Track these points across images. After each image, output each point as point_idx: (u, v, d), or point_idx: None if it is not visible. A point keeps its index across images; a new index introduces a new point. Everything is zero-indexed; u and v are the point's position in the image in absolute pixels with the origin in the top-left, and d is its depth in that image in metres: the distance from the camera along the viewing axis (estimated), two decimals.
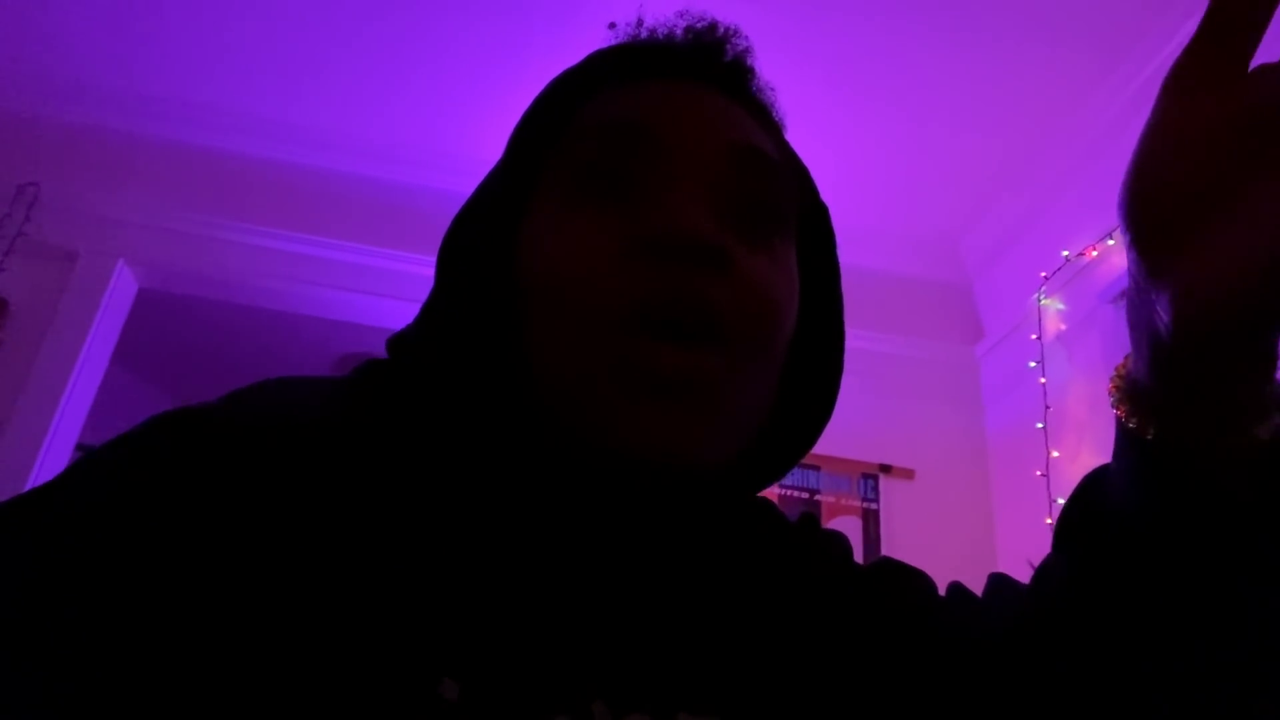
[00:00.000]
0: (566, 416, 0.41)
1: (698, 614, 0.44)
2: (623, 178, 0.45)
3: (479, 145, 2.95)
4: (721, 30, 0.52)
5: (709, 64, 0.51)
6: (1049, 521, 2.56)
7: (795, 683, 0.44)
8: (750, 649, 0.44)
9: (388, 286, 2.94)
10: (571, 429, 0.41)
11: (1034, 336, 2.80)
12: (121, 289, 2.85)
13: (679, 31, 0.52)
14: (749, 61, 0.53)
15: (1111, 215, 2.16)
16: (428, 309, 0.49)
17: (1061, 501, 1.95)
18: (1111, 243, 2.54)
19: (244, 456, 0.38)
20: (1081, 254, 2.64)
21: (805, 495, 2.94)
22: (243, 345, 3.53)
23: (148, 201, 2.89)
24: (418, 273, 2.91)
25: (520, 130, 0.51)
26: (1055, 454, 2.65)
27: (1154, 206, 0.36)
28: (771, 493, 2.91)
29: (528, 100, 0.52)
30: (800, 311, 0.49)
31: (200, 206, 2.93)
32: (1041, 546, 2.19)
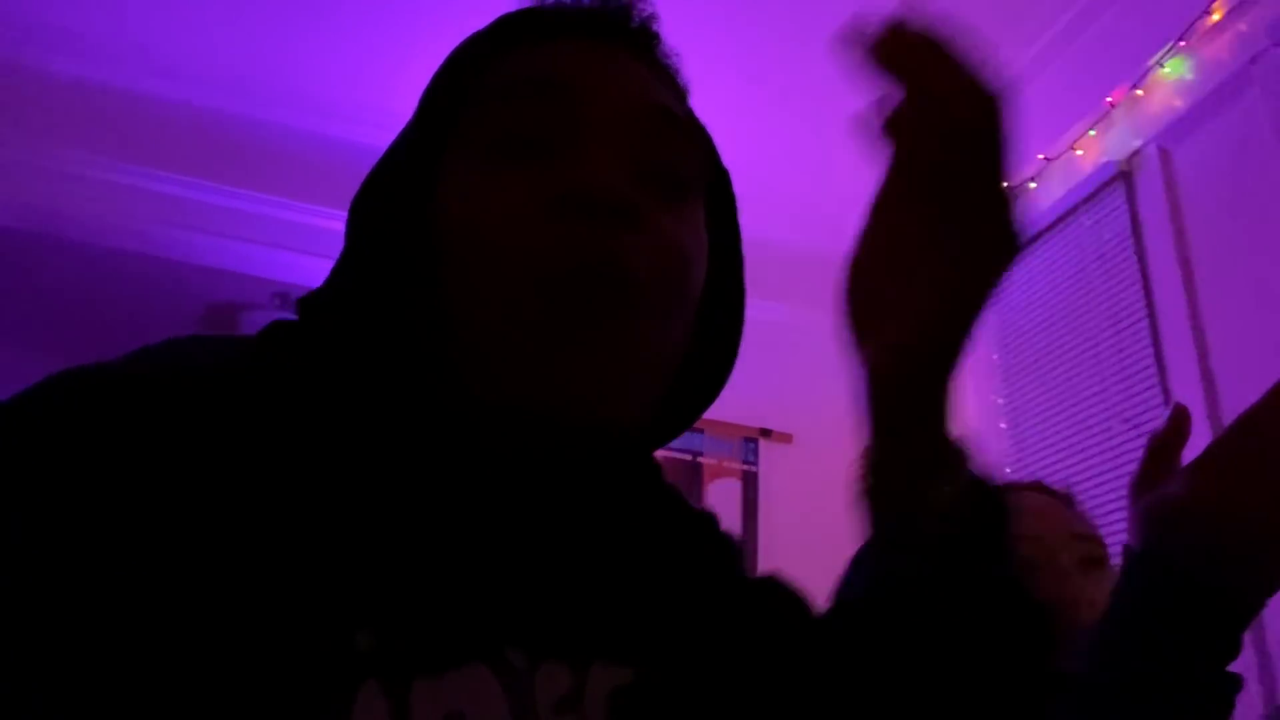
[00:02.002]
0: (486, 370, 0.42)
1: (609, 566, 0.46)
2: (539, 134, 0.45)
3: (364, 91, 2.86)
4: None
5: (618, 26, 0.52)
6: None
7: (699, 639, 0.46)
8: (659, 603, 0.46)
9: (260, 233, 2.82)
10: (491, 382, 0.42)
11: None
12: None
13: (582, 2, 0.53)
14: (654, 27, 0.53)
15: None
16: (339, 270, 0.49)
17: None
18: None
19: (156, 417, 0.37)
20: None
21: (689, 457, 3.02)
22: (103, 292, 3.33)
23: (12, 133, 2.68)
24: (293, 220, 2.80)
25: (432, 89, 0.51)
26: None
27: (858, 292, 0.45)
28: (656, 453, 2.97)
29: (425, 47, 0.52)
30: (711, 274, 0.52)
31: (60, 140, 2.74)
32: None
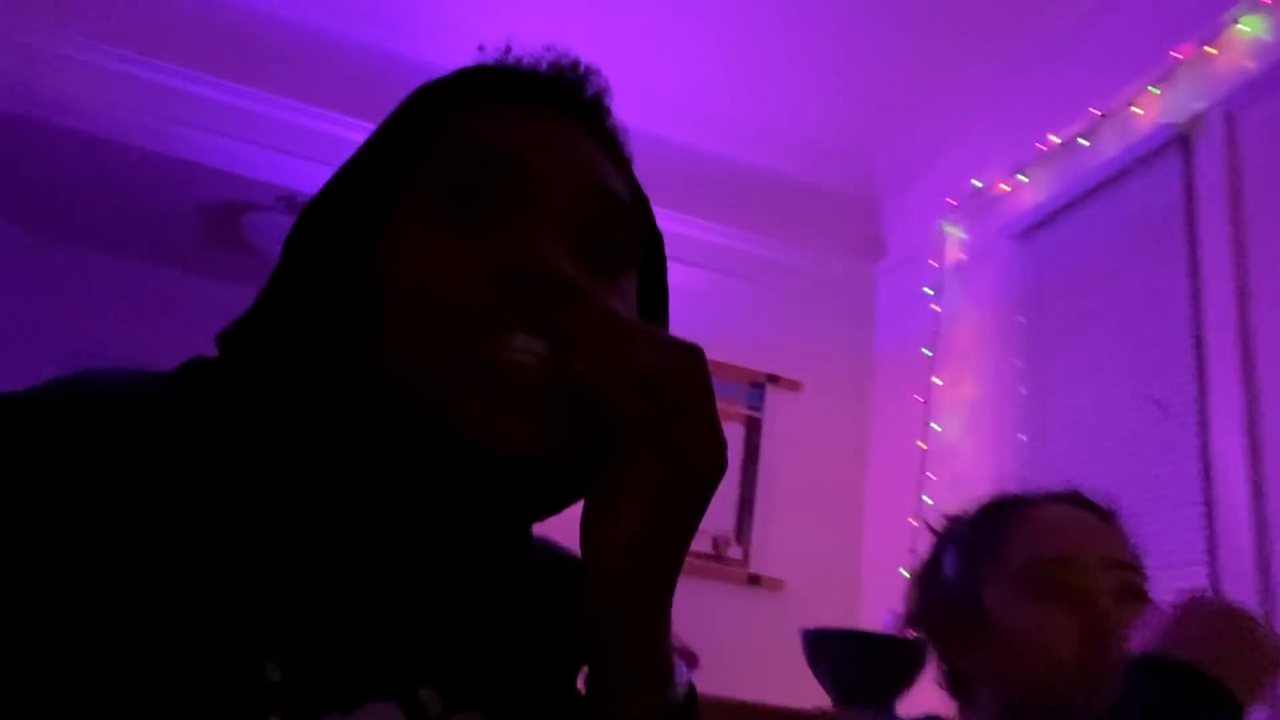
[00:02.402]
0: (420, 415, 0.44)
1: (510, 623, 0.50)
2: (489, 201, 0.48)
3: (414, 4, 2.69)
4: (583, 68, 0.56)
5: (571, 98, 0.54)
6: (922, 446, 2.64)
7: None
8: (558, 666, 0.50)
9: (258, 133, 2.69)
10: (423, 427, 0.44)
11: (934, 263, 2.81)
12: None
13: (544, 65, 0.55)
14: (606, 100, 0.56)
15: (1023, 151, 2.12)
16: (265, 299, 0.49)
17: (937, 428, 1.95)
18: (1023, 179, 2.53)
19: (70, 449, 0.38)
20: (992, 185, 2.64)
21: None
22: (96, 180, 3.21)
23: (12, 16, 2.52)
24: (294, 121, 2.67)
25: (383, 136, 0.52)
26: (938, 381, 2.70)
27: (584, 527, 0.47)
28: None
29: None
30: None
31: (59, 21, 2.58)
32: (908, 466, 2.22)
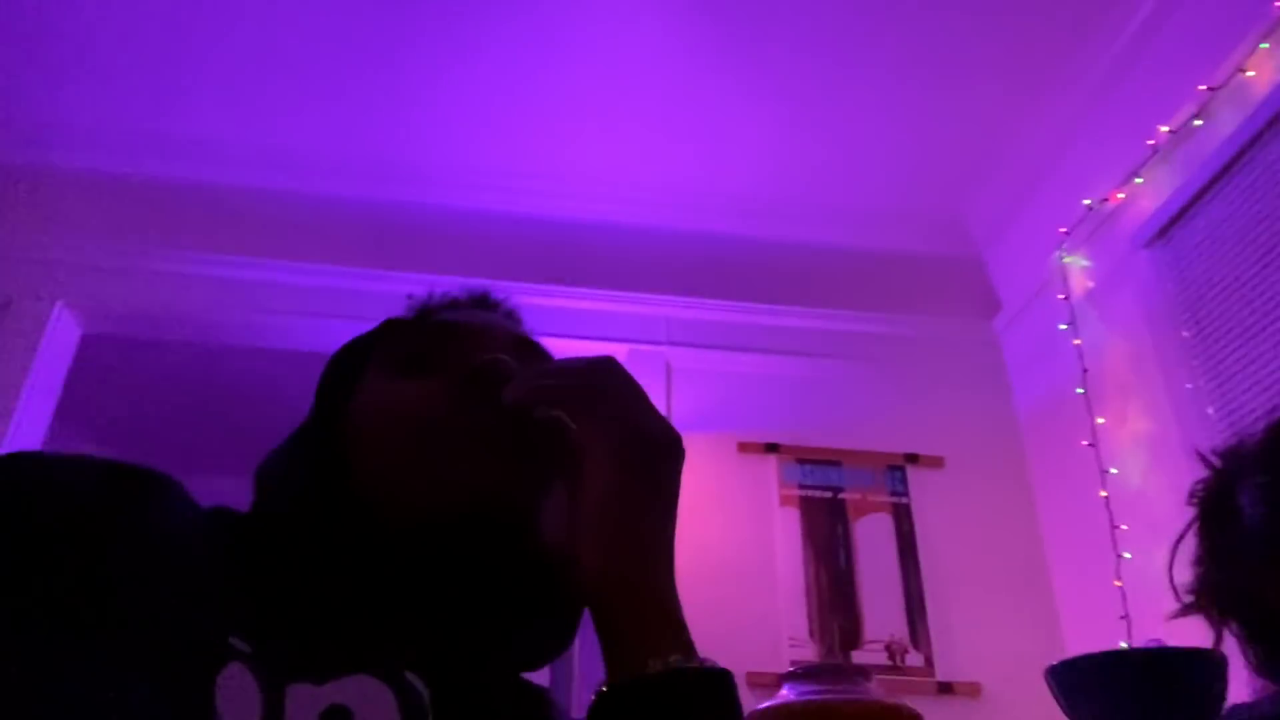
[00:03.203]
0: (388, 514, 0.53)
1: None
2: (440, 358, 0.58)
3: (424, 153, 2.74)
4: (494, 295, 0.68)
5: (492, 310, 0.67)
6: (1103, 494, 2.31)
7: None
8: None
9: (355, 308, 2.70)
10: (393, 521, 0.53)
11: (1061, 297, 2.57)
12: (61, 334, 2.60)
13: (462, 297, 0.67)
14: (518, 315, 0.67)
15: (1132, 152, 1.92)
16: (293, 437, 0.61)
17: (1114, 471, 1.66)
18: (1140, 181, 2.32)
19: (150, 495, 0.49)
20: (1105, 200, 2.42)
21: (829, 494, 2.68)
22: (200, 388, 3.27)
23: (84, 239, 2.65)
24: (386, 290, 2.67)
25: (332, 364, 0.63)
26: (1100, 420, 2.39)
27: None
28: (793, 494, 2.65)
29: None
30: None
31: (143, 240, 2.69)
32: (1091, 521, 1.90)
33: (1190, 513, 0.77)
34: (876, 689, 0.87)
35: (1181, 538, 0.75)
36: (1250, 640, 0.65)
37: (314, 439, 0.59)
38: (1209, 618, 0.68)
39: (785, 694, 0.87)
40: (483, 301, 0.67)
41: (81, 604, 0.41)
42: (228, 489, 0.59)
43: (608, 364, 0.52)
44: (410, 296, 0.68)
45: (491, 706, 0.53)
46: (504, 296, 0.68)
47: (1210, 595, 0.68)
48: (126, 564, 0.44)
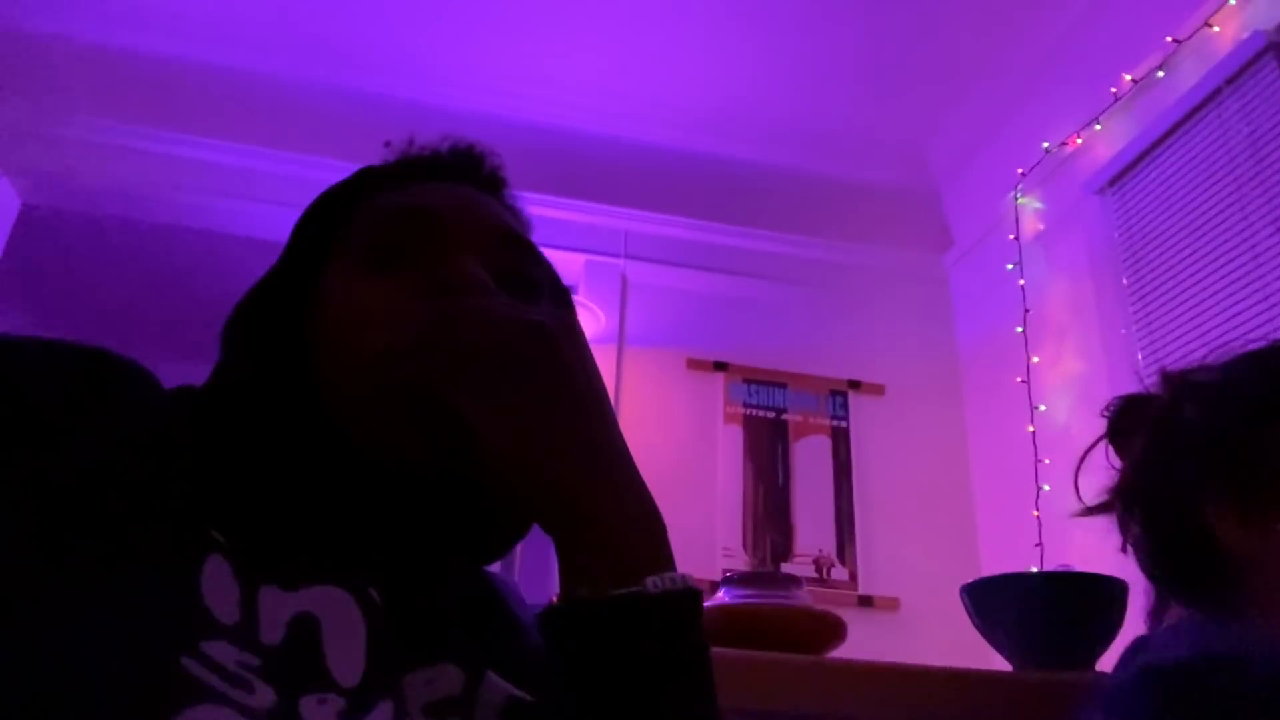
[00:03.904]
0: (356, 443, 0.49)
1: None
2: (410, 250, 0.53)
3: (385, 42, 2.66)
4: (480, 149, 0.63)
5: (472, 172, 0.61)
6: (1030, 429, 2.42)
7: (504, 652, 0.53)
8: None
9: (304, 196, 2.64)
10: (359, 451, 0.49)
11: (1011, 237, 2.63)
12: (1, 204, 2.51)
13: (444, 150, 0.62)
14: (502, 174, 0.63)
15: (1094, 99, 1.94)
16: (219, 372, 0.55)
17: (1043, 408, 1.73)
18: (1098, 128, 2.36)
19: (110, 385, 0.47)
20: (1064, 144, 2.46)
21: (772, 415, 2.76)
22: (147, 269, 3.20)
23: (24, 105, 2.54)
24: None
25: (305, 221, 0.59)
26: (1035, 359, 2.49)
27: None
28: (737, 412, 2.73)
29: None
30: None
31: (93, 110, 2.59)
32: (1017, 454, 1.99)
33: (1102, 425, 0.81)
34: (806, 596, 0.93)
35: (1092, 446, 0.79)
36: (1158, 550, 0.69)
37: (279, 319, 0.55)
38: (1119, 519, 0.71)
39: (721, 597, 0.93)
40: (466, 159, 0.62)
41: (59, 496, 0.40)
42: (170, 374, 0.56)
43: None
44: (388, 143, 0.63)
45: (442, 610, 0.51)
46: (486, 153, 0.63)
47: (1127, 498, 0.72)
48: (99, 454, 0.43)
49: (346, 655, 0.44)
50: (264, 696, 0.40)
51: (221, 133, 2.63)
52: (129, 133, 2.59)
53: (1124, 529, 0.72)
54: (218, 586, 0.42)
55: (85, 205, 2.65)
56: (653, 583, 0.44)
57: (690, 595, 0.45)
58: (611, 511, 0.45)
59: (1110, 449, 0.78)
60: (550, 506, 0.45)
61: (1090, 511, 0.74)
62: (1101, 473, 0.77)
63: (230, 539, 0.44)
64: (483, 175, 0.61)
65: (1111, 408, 0.79)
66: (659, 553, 0.46)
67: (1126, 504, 0.72)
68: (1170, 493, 0.70)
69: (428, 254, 0.53)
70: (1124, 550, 0.73)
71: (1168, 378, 0.76)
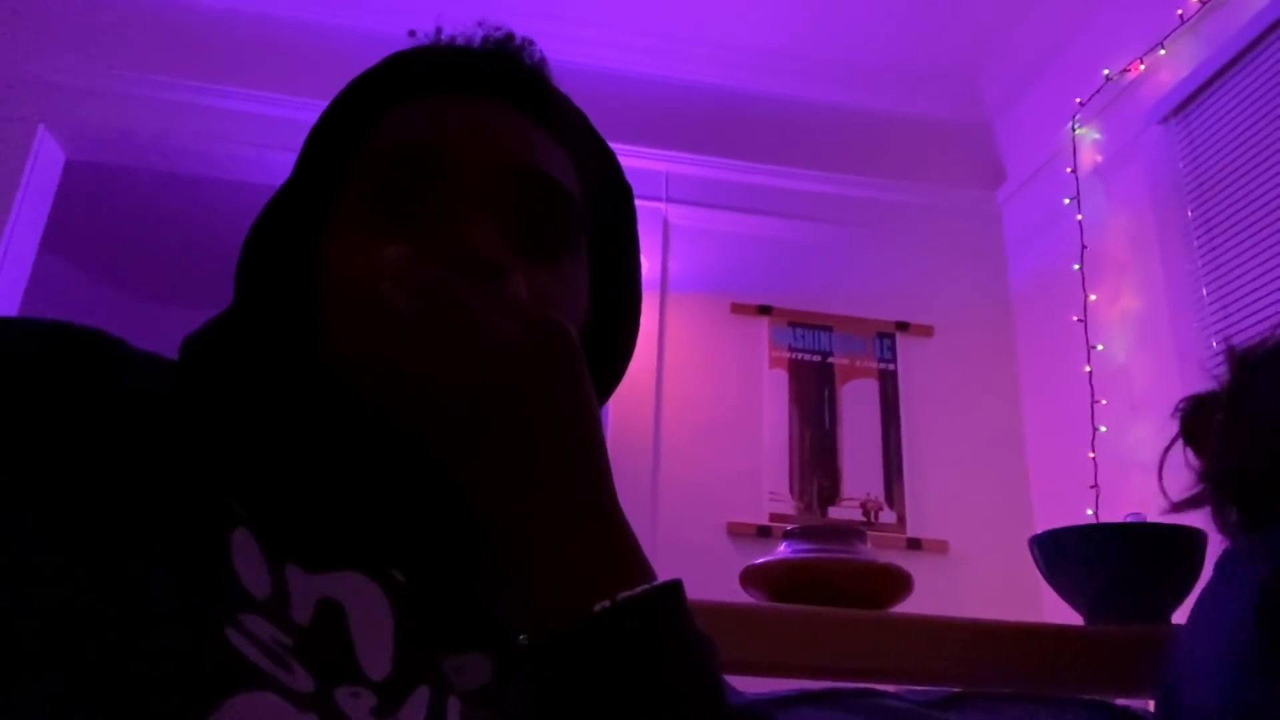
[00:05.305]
0: (364, 409, 0.46)
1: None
2: (416, 198, 0.49)
3: None
4: (519, 40, 0.56)
5: (505, 76, 0.54)
6: (1087, 369, 2.36)
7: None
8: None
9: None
10: (368, 418, 0.45)
11: (1069, 170, 2.53)
12: (45, 157, 2.52)
13: (477, 40, 0.55)
14: (545, 71, 0.56)
15: (1161, 21, 1.84)
16: (228, 313, 0.52)
17: (1100, 348, 1.67)
18: (1163, 53, 2.24)
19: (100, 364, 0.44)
20: (1125, 71, 2.35)
21: (818, 358, 2.72)
22: (191, 221, 3.22)
23: (68, 61, 2.53)
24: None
25: (318, 137, 0.54)
26: (1093, 297, 2.41)
27: None
28: (782, 356, 2.69)
29: None
30: (600, 304, 0.56)
31: (134, 63, 2.58)
32: (1072, 395, 1.94)
33: (1174, 425, 0.79)
34: (869, 550, 0.91)
35: (1170, 446, 0.77)
36: (1262, 519, 0.68)
37: (275, 304, 0.52)
38: (1214, 508, 0.70)
39: (783, 550, 0.92)
40: (499, 57, 0.55)
41: (79, 480, 0.39)
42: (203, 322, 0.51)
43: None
44: (412, 32, 0.57)
45: (471, 593, 0.48)
46: (524, 47, 0.56)
47: (1217, 482, 0.70)
48: (103, 428, 0.41)
49: (375, 646, 0.41)
50: (303, 680, 0.38)
51: (261, 84, 2.61)
52: (170, 85, 2.57)
53: (1220, 518, 0.70)
54: (247, 559, 0.40)
55: (127, 158, 2.66)
56: (601, 606, 0.39)
57: (652, 600, 0.40)
58: (566, 554, 0.40)
59: (1187, 450, 0.76)
60: (502, 545, 0.41)
61: (1180, 507, 0.72)
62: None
63: (252, 512, 0.42)
64: (520, 77, 0.54)
65: (1182, 409, 0.77)
66: (621, 573, 0.40)
67: (1219, 488, 0.70)
68: (1259, 447, 0.67)
69: (433, 206, 0.48)
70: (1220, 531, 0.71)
71: (1233, 356, 0.73)
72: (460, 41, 0.55)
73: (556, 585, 0.40)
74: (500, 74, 0.54)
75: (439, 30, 0.56)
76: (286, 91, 2.60)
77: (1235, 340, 1.89)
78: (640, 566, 0.41)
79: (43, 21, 2.55)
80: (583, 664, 0.38)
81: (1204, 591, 0.68)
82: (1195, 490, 0.72)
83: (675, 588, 0.41)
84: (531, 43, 0.56)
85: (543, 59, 0.56)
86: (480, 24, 0.56)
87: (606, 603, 0.39)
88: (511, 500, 0.40)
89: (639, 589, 0.39)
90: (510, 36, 0.56)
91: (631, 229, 0.60)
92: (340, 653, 0.41)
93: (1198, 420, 0.76)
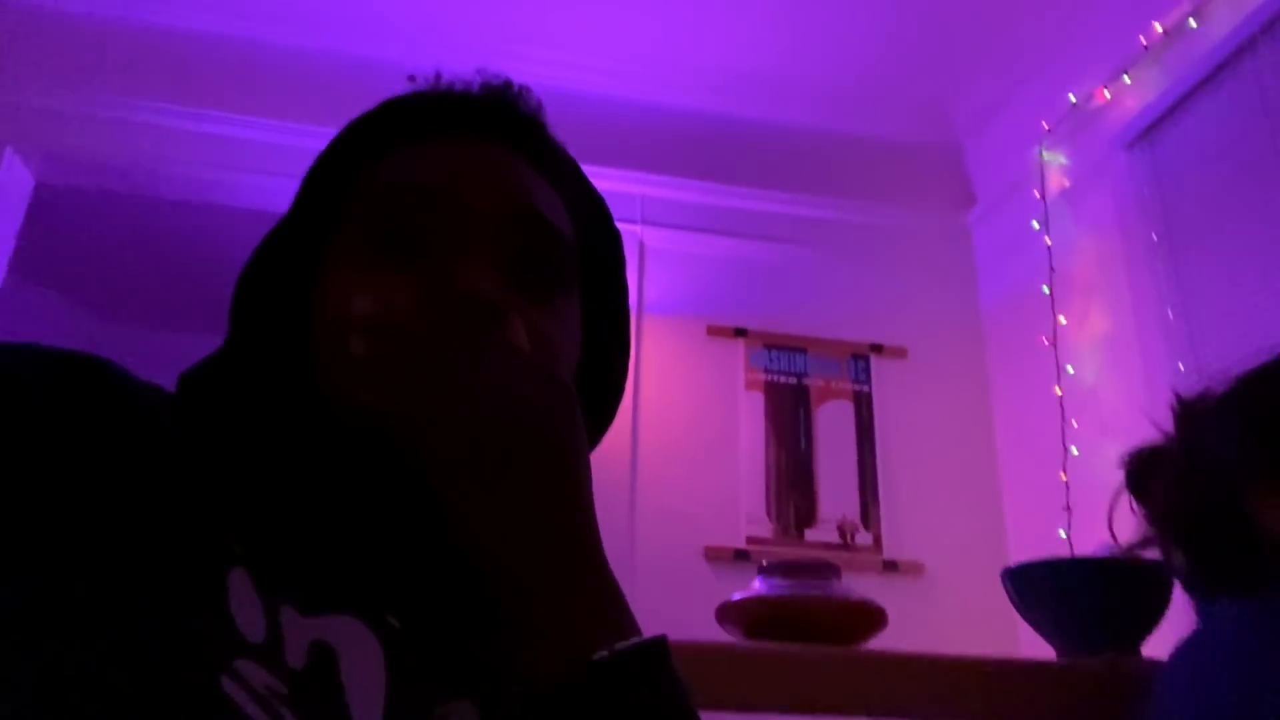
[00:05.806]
0: (362, 449, 0.47)
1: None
2: (414, 238, 0.49)
3: (398, 9, 2.60)
4: (516, 89, 0.57)
5: (502, 121, 0.55)
6: (1058, 392, 2.38)
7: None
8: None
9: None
10: (366, 459, 0.47)
11: (1037, 194, 2.57)
12: (14, 183, 2.49)
13: (475, 88, 0.56)
14: (541, 117, 0.57)
15: (1125, 49, 1.89)
16: (225, 349, 0.52)
17: (1071, 370, 1.72)
18: (1127, 80, 2.29)
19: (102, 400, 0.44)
20: (1091, 97, 2.40)
21: (793, 380, 2.73)
22: (163, 245, 3.18)
23: (34, 83, 2.51)
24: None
25: (314, 180, 0.55)
26: (1062, 320, 2.45)
27: None
28: (758, 378, 2.70)
29: None
30: (591, 346, 0.57)
31: (103, 86, 2.56)
32: (1044, 417, 1.97)
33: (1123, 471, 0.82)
34: (845, 585, 0.92)
35: (1118, 495, 0.80)
36: (1204, 560, 0.70)
37: (271, 342, 0.52)
38: (1162, 549, 0.72)
39: (757, 587, 0.92)
40: (498, 104, 0.56)
41: (72, 514, 0.39)
42: (183, 346, 0.53)
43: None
44: (412, 78, 0.57)
45: (463, 640, 0.48)
46: (522, 94, 0.57)
47: (1164, 525, 0.72)
48: (102, 461, 0.41)
49: (366, 693, 0.42)
50: None
51: (232, 106, 2.59)
52: (139, 108, 2.55)
53: (1167, 558, 0.72)
54: (244, 602, 0.40)
55: (97, 181, 2.63)
56: (599, 656, 0.40)
57: (645, 651, 0.41)
58: (563, 603, 0.41)
59: (1132, 499, 0.79)
60: (497, 592, 0.41)
61: (1130, 550, 0.75)
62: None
63: (249, 550, 0.42)
64: (516, 123, 0.55)
65: (1128, 461, 0.80)
66: (614, 624, 0.41)
67: (1165, 531, 0.72)
68: (1207, 497, 0.70)
69: (430, 246, 0.49)
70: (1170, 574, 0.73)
71: (1181, 408, 0.76)
72: (459, 87, 0.56)
73: (554, 634, 0.40)
74: (498, 119, 0.55)
75: (438, 75, 0.57)
76: (257, 114, 2.59)
77: (1202, 361, 1.92)
78: (630, 618, 0.43)
79: (8, 44, 2.53)
80: (585, 713, 0.39)
81: (1181, 646, 0.69)
82: (1145, 536, 0.74)
83: (662, 641, 0.42)
84: (529, 89, 0.58)
85: (539, 105, 0.58)
86: (479, 71, 0.57)
87: (605, 653, 0.40)
88: (508, 549, 0.41)
89: (632, 641, 0.41)
90: (509, 84, 0.57)
91: (621, 273, 0.61)
92: (331, 702, 0.41)
93: (1144, 472, 0.79)
